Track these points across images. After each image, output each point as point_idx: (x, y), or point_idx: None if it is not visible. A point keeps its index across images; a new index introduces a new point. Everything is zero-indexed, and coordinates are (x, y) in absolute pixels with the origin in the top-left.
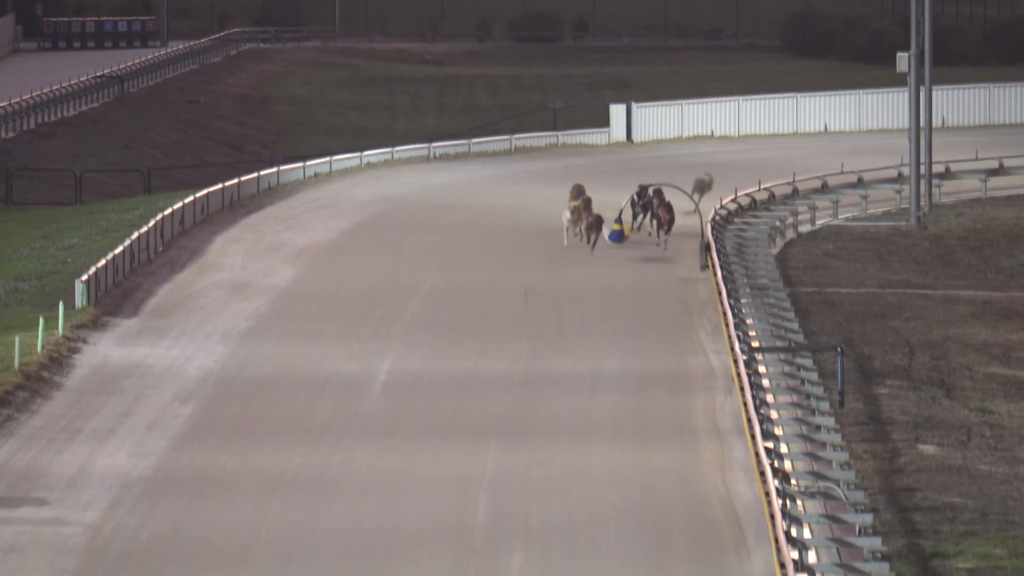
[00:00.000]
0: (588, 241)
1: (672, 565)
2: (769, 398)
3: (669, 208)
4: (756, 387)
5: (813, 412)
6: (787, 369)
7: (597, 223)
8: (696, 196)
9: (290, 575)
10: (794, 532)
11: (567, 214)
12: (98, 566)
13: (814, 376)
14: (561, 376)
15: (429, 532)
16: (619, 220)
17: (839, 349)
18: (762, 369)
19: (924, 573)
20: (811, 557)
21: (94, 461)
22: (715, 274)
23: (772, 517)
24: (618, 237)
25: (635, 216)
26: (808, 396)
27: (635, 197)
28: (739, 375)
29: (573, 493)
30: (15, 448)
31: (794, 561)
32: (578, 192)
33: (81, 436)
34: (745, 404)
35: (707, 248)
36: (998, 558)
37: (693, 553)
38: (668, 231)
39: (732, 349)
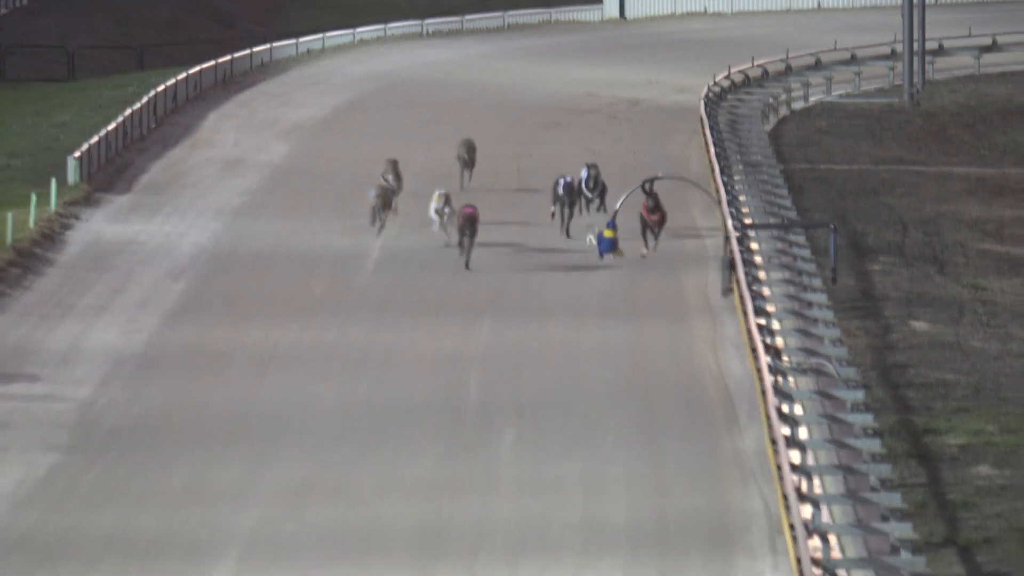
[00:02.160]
0: (459, 245)
1: (664, 441)
2: (761, 275)
3: (657, 204)
4: (749, 264)
5: (805, 289)
6: (780, 246)
7: (470, 223)
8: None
9: (281, 451)
10: (785, 408)
11: (433, 207)
12: (90, 441)
13: (807, 253)
14: (553, 252)
15: (421, 408)
16: (612, 225)
17: (832, 226)
18: (755, 246)
19: (916, 449)
20: (802, 433)
21: (86, 337)
22: (708, 151)
23: (763, 393)
24: (610, 247)
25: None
26: (801, 273)
27: (645, 187)
28: (732, 251)
29: (565, 369)
30: (8, 324)
31: (785, 437)
32: (393, 168)
33: (73, 312)
34: (737, 281)
35: (731, 265)
36: (990, 434)
37: (685, 430)
38: (658, 234)
39: (725, 225)
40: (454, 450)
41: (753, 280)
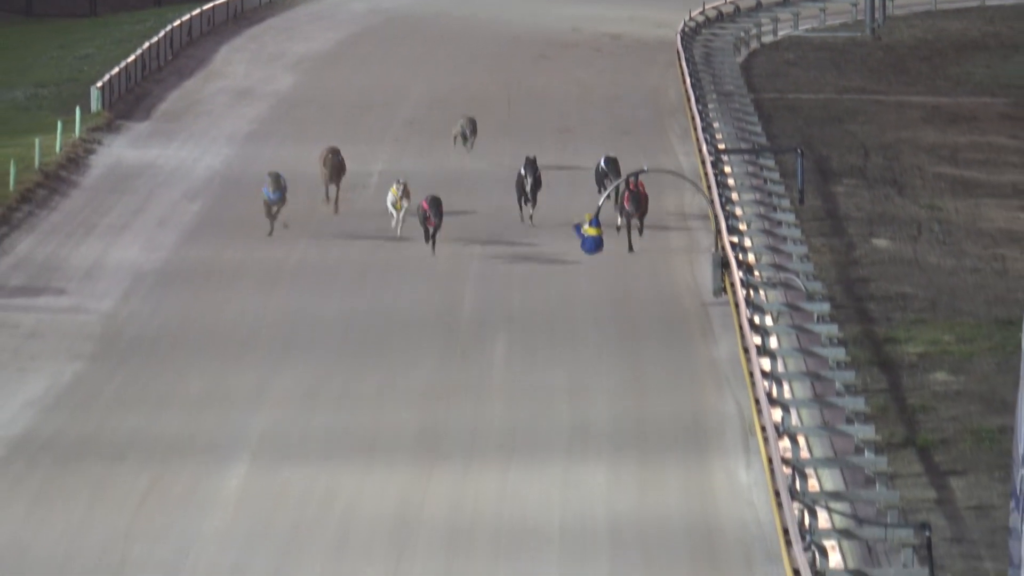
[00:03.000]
0: (425, 239)
1: (643, 350)
2: (734, 196)
3: (637, 196)
4: (723, 186)
5: (775, 209)
6: (751, 169)
7: (435, 212)
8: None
9: (291, 359)
10: (757, 320)
11: (390, 199)
12: (112, 350)
13: (776, 176)
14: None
15: (419, 319)
16: (595, 223)
17: (799, 151)
18: (728, 169)
19: (877, 357)
20: (772, 342)
21: (109, 254)
22: (684, 82)
23: (736, 306)
24: (594, 246)
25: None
26: (770, 194)
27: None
28: (706, 175)
29: (552, 285)
30: (36, 242)
31: (757, 346)
32: (334, 156)
33: (97, 231)
34: (712, 202)
35: (725, 265)
36: (946, 343)
37: (663, 339)
38: (641, 225)
39: (700, 151)
40: (449, 359)
41: (726, 201)
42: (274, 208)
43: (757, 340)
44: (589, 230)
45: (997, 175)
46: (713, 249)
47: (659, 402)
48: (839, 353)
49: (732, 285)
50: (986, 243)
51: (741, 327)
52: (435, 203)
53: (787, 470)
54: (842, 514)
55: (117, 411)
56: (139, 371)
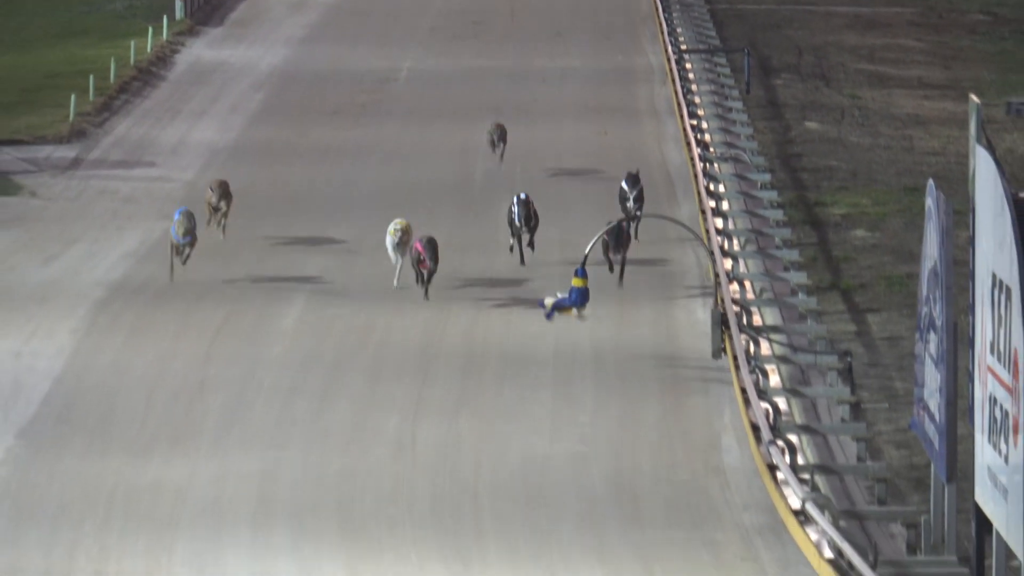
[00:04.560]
0: (417, 281)
1: (620, 211)
2: (694, 87)
3: (619, 239)
4: (684, 80)
5: (726, 98)
6: (707, 66)
7: (431, 255)
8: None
9: (337, 214)
10: (712, 187)
11: (390, 241)
12: (193, 208)
13: (727, 71)
14: (539, 71)
15: (440, 185)
16: (581, 272)
17: (746, 51)
18: (688, 66)
19: (808, 217)
20: (724, 205)
21: (190, 134)
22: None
23: (696, 176)
24: (579, 299)
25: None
26: (723, 86)
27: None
28: (671, 71)
29: (547, 157)
30: (131, 124)
31: (712, 208)
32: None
33: (180, 116)
34: (676, 92)
35: (723, 323)
36: (864, 206)
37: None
38: (623, 267)
39: (666, 51)
40: (465, 217)
41: (688, 91)
42: (185, 250)
43: (712, 204)
44: (576, 280)
45: (905, 71)
46: (712, 305)
47: (632, 254)
48: (778, 214)
49: (692, 160)
50: (896, 125)
51: (699, 193)
52: (431, 245)
53: (736, 308)
54: (780, 343)
55: (197, 260)
56: (215, 227)
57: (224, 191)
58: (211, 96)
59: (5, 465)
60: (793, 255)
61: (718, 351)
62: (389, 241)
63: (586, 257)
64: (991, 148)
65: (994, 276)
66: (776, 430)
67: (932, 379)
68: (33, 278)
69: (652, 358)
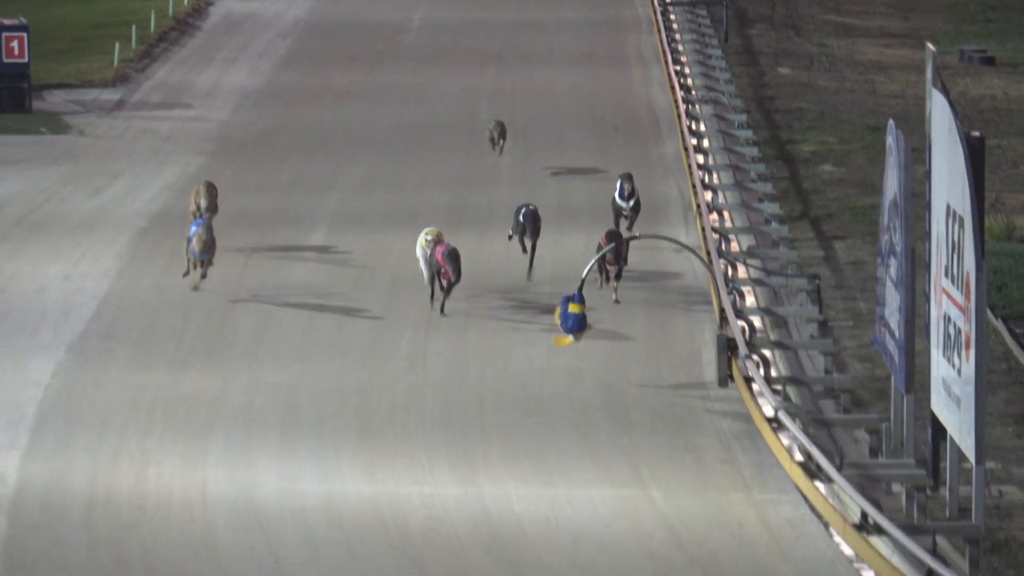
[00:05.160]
0: (442, 289)
1: (610, 148)
2: (677, 37)
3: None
4: (668, 30)
5: (707, 46)
6: (689, 17)
7: (452, 263)
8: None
9: (354, 155)
10: (694, 126)
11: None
12: (226, 148)
13: (707, 22)
14: (537, 22)
15: (449, 124)
16: (578, 298)
17: (725, 3)
18: (672, 17)
19: (781, 154)
20: (705, 143)
21: (223, 79)
22: None
23: (679, 116)
24: (577, 325)
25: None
26: (703, 35)
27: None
28: (657, 21)
29: (545, 100)
30: (170, 70)
31: (694, 145)
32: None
33: (214, 62)
34: (661, 41)
35: (729, 347)
36: (831, 143)
37: (626, 140)
38: (617, 281)
39: (652, 4)
40: (471, 155)
41: (672, 40)
42: (203, 265)
43: (694, 141)
44: (573, 306)
45: (869, 21)
46: (717, 330)
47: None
48: (753, 151)
49: (676, 102)
50: (860, 71)
51: (682, 132)
52: (452, 257)
53: (715, 236)
54: (755, 267)
55: (229, 192)
56: (246, 163)
57: (212, 197)
58: (242, 44)
59: (56, 377)
60: (767, 188)
61: (724, 379)
62: (420, 253)
63: (583, 282)
64: (946, 91)
65: (948, 207)
66: (752, 346)
67: (892, 300)
68: (81, 208)
69: (639, 282)
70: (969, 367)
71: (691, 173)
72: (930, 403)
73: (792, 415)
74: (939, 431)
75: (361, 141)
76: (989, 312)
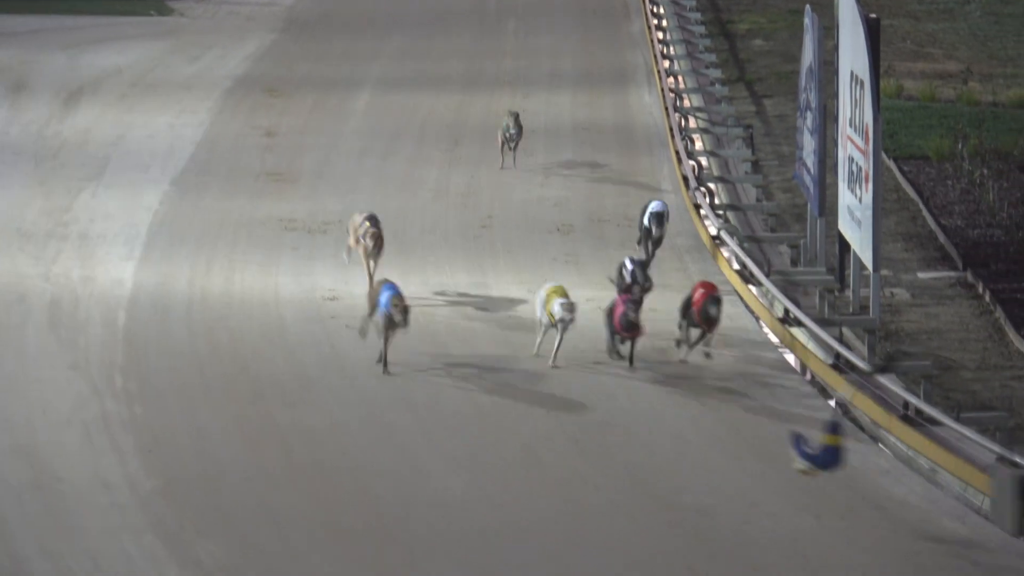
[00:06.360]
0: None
1: (591, 27)
2: None
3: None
4: None
5: None
6: None
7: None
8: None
9: (391, 33)
10: (655, 10)
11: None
12: (293, 26)
13: None
14: None
15: (462, 12)
16: (833, 428)
17: None
18: None
19: (722, 31)
20: (664, 23)
21: None
22: None
23: (644, 2)
24: (835, 459)
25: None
26: None
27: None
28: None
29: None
30: None
31: (655, 24)
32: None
33: None
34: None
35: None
36: (761, 23)
37: (603, 21)
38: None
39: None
40: (482, 33)
41: None
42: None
43: (655, 21)
44: (831, 438)
45: None
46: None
47: (600, 59)
48: (700, 29)
49: None
50: None
51: (646, 13)
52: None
53: (671, 95)
54: (702, 119)
55: (296, 61)
56: (309, 39)
57: (377, 236)
58: None
59: (163, 204)
60: (711, 57)
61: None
62: (541, 301)
63: (835, 416)
64: None
65: (852, 72)
66: (700, 180)
67: (808, 144)
68: (182, 73)
69: (613, 128)
70: (868, 196)
71: (652, 46)
72: (837, 224)
73: (731, 233)
74: (844, 246)
75: (398, 22)
76: (883, 154)
